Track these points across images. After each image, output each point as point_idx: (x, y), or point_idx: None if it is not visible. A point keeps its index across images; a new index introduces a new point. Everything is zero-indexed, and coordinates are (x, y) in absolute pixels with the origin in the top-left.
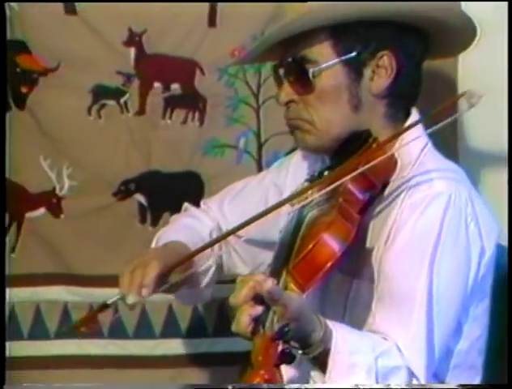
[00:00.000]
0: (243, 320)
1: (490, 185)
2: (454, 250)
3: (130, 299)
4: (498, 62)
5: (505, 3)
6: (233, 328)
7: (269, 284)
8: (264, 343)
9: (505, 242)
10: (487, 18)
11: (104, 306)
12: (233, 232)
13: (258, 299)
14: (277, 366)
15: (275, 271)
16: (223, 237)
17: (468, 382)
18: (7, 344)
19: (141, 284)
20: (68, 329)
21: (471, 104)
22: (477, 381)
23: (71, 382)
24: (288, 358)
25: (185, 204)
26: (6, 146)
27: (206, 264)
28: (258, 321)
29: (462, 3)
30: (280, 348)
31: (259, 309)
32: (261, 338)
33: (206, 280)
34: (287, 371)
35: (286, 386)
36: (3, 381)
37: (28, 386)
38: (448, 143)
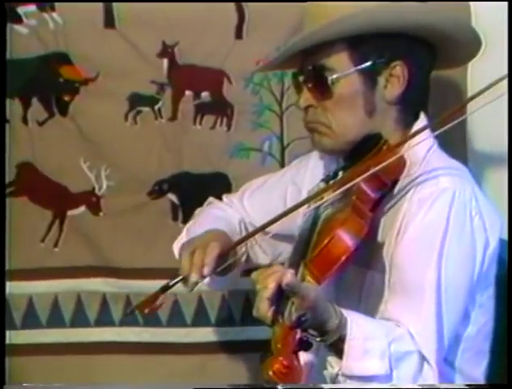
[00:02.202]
0: (262, 306)
1: (498, 186)
2: (460, 242)
3: (193, 278)
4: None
5: (505, 3)
6: (254, 313)
7: (288, 277)
8: (283, 331)
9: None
10: (496, 25)
11: (166, 288)
12: (267, 226)
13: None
14: (295, 353)
15: (293, 264)
16: (259, 229)
17: (477, 366)
18: (50, 330)
19: (202, 263)
20: (131, 311)
21: None
22: (484, 364)
23: (109, 367)
24: (305, 345)
25: (210, 198)
26: (50, 150)
27: (242, 251)
28: (277, 310)
29: (472, 6)
30: (298, 336)
31: (276, 295)
32: (280, 327)
33: (239, 266)
34: (305, 357)
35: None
36: (3, 381)
37: (28, 386)
38: (458, 145)
